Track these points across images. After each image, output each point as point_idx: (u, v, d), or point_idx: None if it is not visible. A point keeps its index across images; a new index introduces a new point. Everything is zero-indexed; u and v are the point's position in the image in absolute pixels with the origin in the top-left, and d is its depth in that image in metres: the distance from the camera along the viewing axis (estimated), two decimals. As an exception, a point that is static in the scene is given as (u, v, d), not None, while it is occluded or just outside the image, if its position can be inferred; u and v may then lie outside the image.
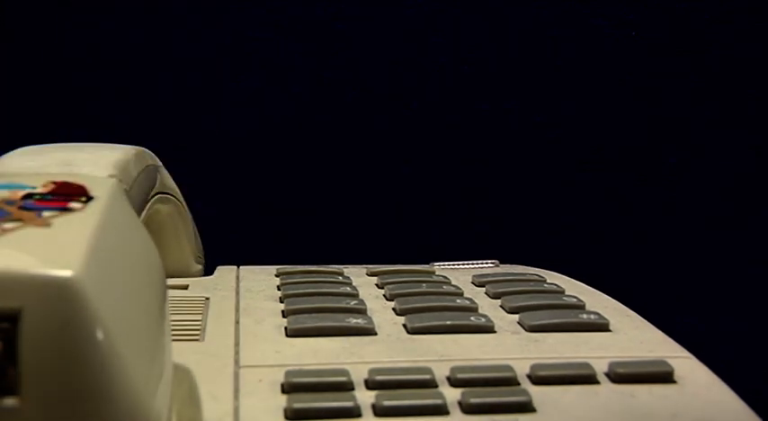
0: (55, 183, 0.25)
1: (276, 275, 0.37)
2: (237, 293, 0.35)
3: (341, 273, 0.38)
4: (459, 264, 0.40)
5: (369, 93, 0.62)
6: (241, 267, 0.39)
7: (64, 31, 0.61)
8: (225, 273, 0.38)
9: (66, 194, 0.25)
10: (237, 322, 0.31)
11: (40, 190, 0.25)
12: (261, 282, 0.36)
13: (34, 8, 0.61)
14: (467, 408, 0.25)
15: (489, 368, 0.27)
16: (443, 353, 0.28)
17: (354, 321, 0.30)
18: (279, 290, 0.35)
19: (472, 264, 0.40)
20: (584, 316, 0.31)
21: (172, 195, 0.39)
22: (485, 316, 0.31)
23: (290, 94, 0.62)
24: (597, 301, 0.34)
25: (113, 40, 0.61)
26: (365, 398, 0.25)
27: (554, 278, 0.37)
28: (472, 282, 0.36)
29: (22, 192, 0.25)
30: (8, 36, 0.61)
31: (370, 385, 0.26)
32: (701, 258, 0.61)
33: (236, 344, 0.29)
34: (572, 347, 0.29)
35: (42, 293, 0.19)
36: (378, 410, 0.24)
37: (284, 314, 0.32)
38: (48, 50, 0.62)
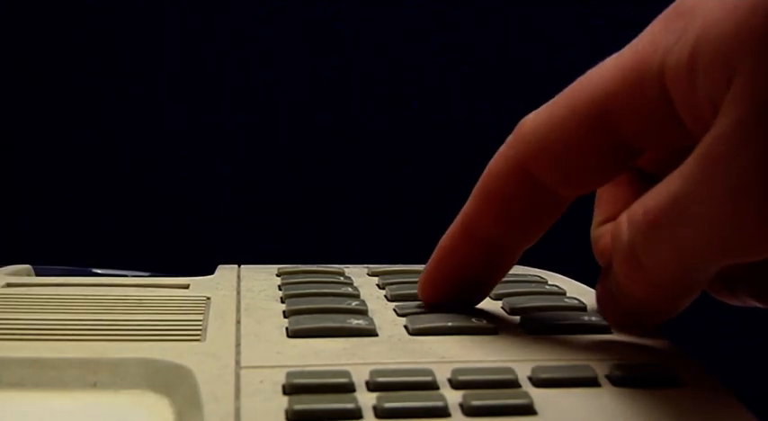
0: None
1: (277, 275, 0.37)
2: (238, 293, 0.35)
3: (342, 273, 0.38)
4: (459, 265, 0.40)
5: (369, 93, 0.62)
6: (242, 266, 0.39)
7: (64, 31, 0.61)
8: (226, 272, 0.38)
9: None
10: (238, 322, 0.31)
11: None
12: (262, 281, 0.36)
13: (35, 8, 0.61)
14: (468, 411, 0.24)
15: (490, 370, 0.27)
16: (444, 355, 0.28)
17: (356, 322, 0.30)
18: (280, 290, 0.35)
19: (473, 264, 0.40)
20: (586, 318, 0.31)
21: None
22: (486, 317, 0.31)
23: (290, 94, 0.62)
24: (598, 303, 0.34)
25: (114, 40, 0.61)
26: (366, 399, 0.25)
27: (555, 279, 0.37)
28: (473, 283, 0.36)
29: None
30: (8, 36, 0.61)
31: (372, 386, 0.26)
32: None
33: (237, 344, 0.29)
34: (573, 349, 0.29)
35: None
36: (379, 412, 0.24)
37: (285, 314, 0.32)
38: (48, 51, 0.62)
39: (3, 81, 0.62)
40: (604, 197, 0.32)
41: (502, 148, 0.30)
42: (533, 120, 0.29)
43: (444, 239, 0.31)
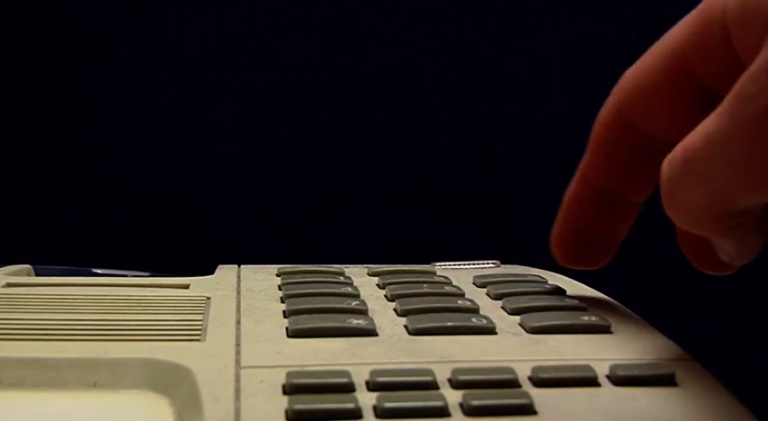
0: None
1: (277, 275, 0.37)
2: (238, 293, 0.35)
3: (342, 273, 0.38)
4: (460, 265, 0.40)
5: (369, 93, 0.62)
6: (242, 266, 0.39)
7: (64, 31, 0.61)
8: (226, 272, 0.38)
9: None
10: (238, 322, 0.31)
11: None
12: (262, 281, 0.36)
13: (36, 8, 0.61)
14: (468, 411, 0.24)
15: (491, 370, 0.27)
16: (444, 355, 0.28)
17: (356, 322, 0.30)
18: (280, 290, 0.35)
19: (473, 264, 0.40)
20: (586, 318, 0.31)
21: None
22: (486, 317, 0.31)
23: (290, 94, 0.62)
24: (599, 303, 0.34)
25: (114, 40, 0.61)
26: (366, 399, 0.25)
27: (555, 279, 0.37)
28: (473, 283, 0.36)
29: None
30: (8, 36, 0.61)
31: (372, 386, 0.26)
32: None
33: (237, 344, 0.29)
34: (573, 349, 0.29)
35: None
36: (379, 412, 0.24)
37: (285, 314, 0.32)
38: (48, 51, 0.62)
39: (3, 81, 0.62)
40: None
41: (608, 99, 0.32)
42: (630, 72, 0.31)
43: (567, 195, 0.33)
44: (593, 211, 0.32)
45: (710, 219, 0.27)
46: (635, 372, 0.27)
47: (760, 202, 0.26)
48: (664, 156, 0.30)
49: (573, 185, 0.33)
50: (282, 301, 0.33)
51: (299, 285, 0.35)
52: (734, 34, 0.26)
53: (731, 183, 0.25)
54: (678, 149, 0.27)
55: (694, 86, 0.29)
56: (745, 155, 0.24)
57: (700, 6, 0.28)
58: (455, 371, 0.26)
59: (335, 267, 0.39)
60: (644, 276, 0.60)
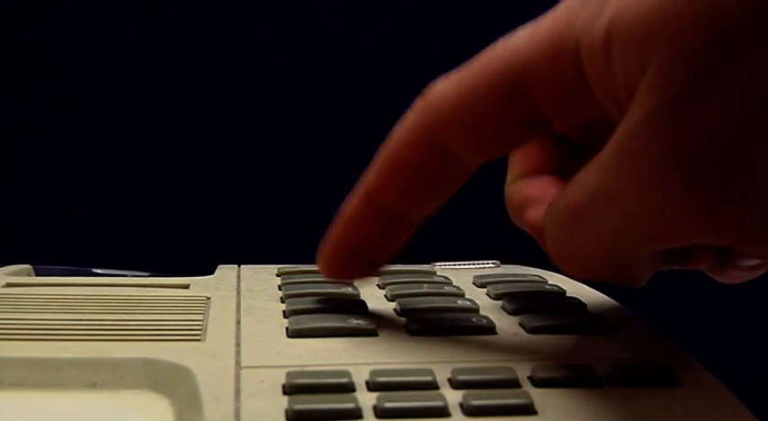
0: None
1: (277, 275, 0.37)
2: (239, 293, 0.35)
3: (342, 273, 0.38)
4: (459, 265, 0.40)
5: (369, 93, 0.62)
6: (242, 266, 0.39)
7: (65, 31, 0.61)
8: (226, 272, 0.38)
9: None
10: (238, 322, 0.31)
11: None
12: (262, 281, 0.36)
13: (36, 8, 0.61)
14: (468, 410, 0.24)
15: (490, 370, 0.27)
16: (444, 355, 0.28)
17: (356, 322, 0.30)
18: (280, 290, 0.35)
19: (473, 264, 0.40)
20: (586, 318, 0.31)
21: None
22: (486, 317, 0.31)
23: (290, 94, 0.62)
24: (599, 303, 0.34)
25: (114, 40, 0.61)
26: (366, 399, 0.25)
27: (555, 279, 0.37)
28: (473, 283, 0.36)
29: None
30: (8, 36, 0.61)
31: (372, 386, 0.26)
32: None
33: (237, 344, 0.29)
34: (573, 349, 0.29)
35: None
36: (379, 412, 0.24)
37: (285, 314, 0.32)
38: (48, 51, 0.62)
39: (3, 81, 0.62)
40: (517, 156, 0.31)
41: (409, 117, 0.29)
42: (443, 89, 0.28)
43: (347, 211, 0.31)
44: (372, 230, 0.30)
45: (601, 267, 0.26)
46: (635, 373, 0.27)
47: (651, 251, 0.26)
48: (466, 175, 0.29)
49: (353, 203, 0.31)
50: (282, 301, 0.33)
51: (299, 285, 0.35)
52: (591, 72, 0.24)
53: (621, 236, 0.25)
54: (560, 203, 0.26)
55: (529, 112, 0.27)
56: (634, 211, 0.24)
57: (543, 32, 0.26)
58: (455, 371, 0.26)
59: (335, 267, 0.38)
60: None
